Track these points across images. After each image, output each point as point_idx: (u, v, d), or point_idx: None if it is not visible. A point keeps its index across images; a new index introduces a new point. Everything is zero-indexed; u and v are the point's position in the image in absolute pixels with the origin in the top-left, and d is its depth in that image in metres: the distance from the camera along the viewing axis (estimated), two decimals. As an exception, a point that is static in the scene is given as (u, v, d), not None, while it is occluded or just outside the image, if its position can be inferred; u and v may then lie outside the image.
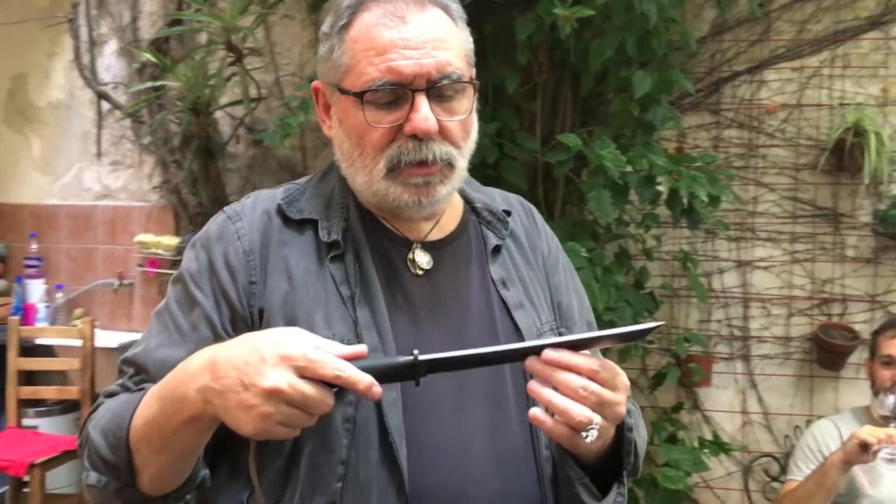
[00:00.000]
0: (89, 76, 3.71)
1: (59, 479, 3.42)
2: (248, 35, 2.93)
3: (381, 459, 0.98)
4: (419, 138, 1.02)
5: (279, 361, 0.86)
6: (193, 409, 0.91)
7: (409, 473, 0.98)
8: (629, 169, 2.42)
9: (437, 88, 1.03)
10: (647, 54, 2.67)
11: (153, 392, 0.96)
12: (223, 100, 3.25)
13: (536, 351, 0.92)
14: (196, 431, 0.94)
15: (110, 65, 3.79)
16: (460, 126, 1.06)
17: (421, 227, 1.12)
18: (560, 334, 1.15)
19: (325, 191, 1.12)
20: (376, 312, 1.04)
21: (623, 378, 0.95)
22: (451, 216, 1.16)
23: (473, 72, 1.10)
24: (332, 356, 0.88)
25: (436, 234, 1.13)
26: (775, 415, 3.21)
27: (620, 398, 0.94)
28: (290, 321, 1.01)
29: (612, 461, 1.04)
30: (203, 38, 3.31)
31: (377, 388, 0.88)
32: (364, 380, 0.87)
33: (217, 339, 1.01)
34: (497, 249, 1.16)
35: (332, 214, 1.09)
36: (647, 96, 2.63)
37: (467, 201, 1.19)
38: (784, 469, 3.05)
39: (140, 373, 1.04)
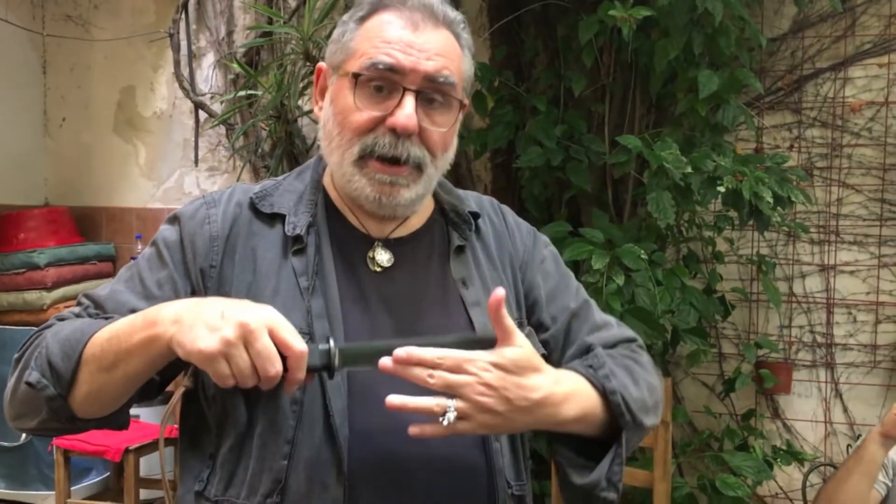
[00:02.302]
0: (188, 87, 3.92)
1: (155, 466, 3.64)
2: (323, 45, 3.04)
3: (324, 439, 1.04)
4: (398, 134, 1.07)
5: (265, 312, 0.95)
6: (159, 328, 0.96)
7: (348, 453, 1.03)
8: (689, 170, 2.39)
9: (426, 92, 1.08)
10: (715, 54, 2.62)
11: (132, 315, 1.02)
12: (307, 107, 3.38)
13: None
14: (146, 357, 0.99)
15: (208, 76, 4.01)
16: (440, 136, 1.11)
17: (385, 225, 1.17)
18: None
19: (298, 187, 1.18)
20: (329, 303, 1.09)
21: (476, 363, 0.96)
22: (419, 215, 1.20)
23: (467, 100, 1.15)
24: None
25: (400, 232, 1.18)
26: (862, 425, 3.07)
27: (468, 380, 0.96)
28: None
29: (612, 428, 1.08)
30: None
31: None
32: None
33: None
34: (460, 249, 1.19)
35: (300, 210, 1.14)
36: (716, 96, 2.58)
37: (437, 202, 1.23)
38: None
39: (98, 308, 1.11)
